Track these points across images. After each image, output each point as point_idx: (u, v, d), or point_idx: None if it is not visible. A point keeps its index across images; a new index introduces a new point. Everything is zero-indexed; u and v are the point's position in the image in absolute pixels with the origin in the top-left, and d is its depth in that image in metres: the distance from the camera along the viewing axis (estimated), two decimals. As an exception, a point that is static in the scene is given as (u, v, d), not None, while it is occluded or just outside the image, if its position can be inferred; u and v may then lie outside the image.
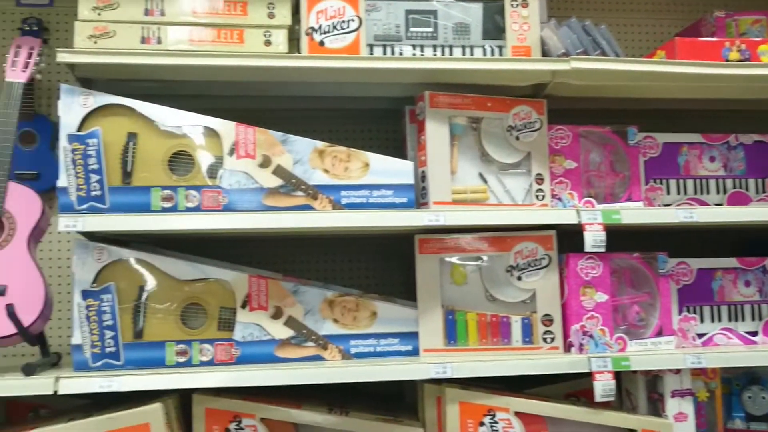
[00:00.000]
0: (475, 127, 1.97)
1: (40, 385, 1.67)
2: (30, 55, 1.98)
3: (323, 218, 1.79)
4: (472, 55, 1.98)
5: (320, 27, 1.91)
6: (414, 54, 1.95)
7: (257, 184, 1.80)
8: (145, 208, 1.76)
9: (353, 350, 1.85)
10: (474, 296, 1.91)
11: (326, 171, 1.83)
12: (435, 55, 1.96)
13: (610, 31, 2.05)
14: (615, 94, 2.15)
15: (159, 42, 1.86)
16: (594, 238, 1.84)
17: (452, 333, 1.88)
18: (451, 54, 1.97)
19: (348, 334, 1.85)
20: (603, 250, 1.85)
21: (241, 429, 1.77)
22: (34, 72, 1.97)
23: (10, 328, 1.74)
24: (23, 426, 1.78)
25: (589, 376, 1.84)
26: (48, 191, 2.14)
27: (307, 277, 2.08)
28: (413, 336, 1.87)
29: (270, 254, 2.26)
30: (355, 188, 1.83)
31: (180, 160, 1.81)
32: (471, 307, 1.90)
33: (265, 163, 1.81)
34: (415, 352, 1.87)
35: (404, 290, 2.18)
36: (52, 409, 2.02)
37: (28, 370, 1.70)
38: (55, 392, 1.66)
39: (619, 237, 1.95)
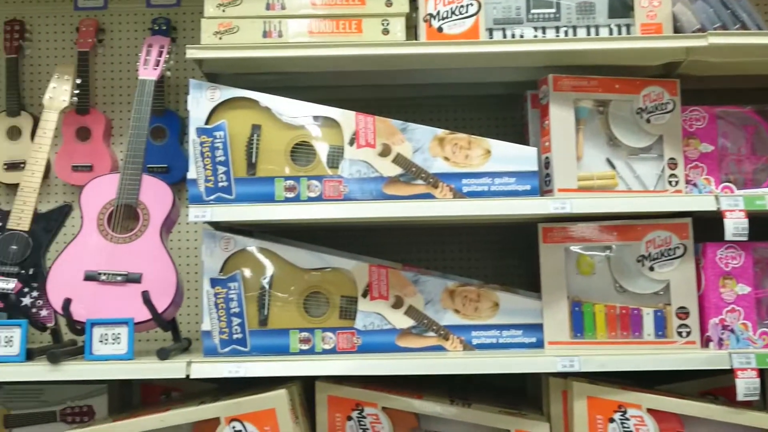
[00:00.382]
0: (602, 110, 1.88)
1: (173, 369, 1.74)
2: (160, 54, 2.06)
3: (444, 207, 1.76)
4: (597, 35, 1.88)
5: (438, 13, 1.87)
6: (535, 36, 1.88)
7: (377, 173, 1.79)
8: (269, 198, 1.79)
9: (475, 341, 1.81)
10: (602, 287, 1.82)
11: (446, 159, 1.80)
12: (558, 36, 1.88)
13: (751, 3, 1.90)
14: (754, 71, 2.00)
15: (280, 35, 1.89)
16: (735, 226, 1.71)
17: (579, 325, 1.80)
18: (575, 35, 1.89)
19: (470, 324, 1.82)
20: (745, 238, 1.72)
21: (363, 417, 1.77)
22: (164, 69, 2.06)
23: (145, 314, 1.82)
24: (157, 407, 1.86)
25: (727, 373, 1.72)
26: (177, 183, 2.24)
27: (423, 267, 2.06)
28: (537, 328, 1.81)
29: (386, 244, 2.26)
30: (477, 176, 1.79)
31: (302, 151, 1.83)
32: (598, 298, 1.82)
33: (385, 152, 1.80)
34: (539, 345, 1.81)
35: (525, 281, 2.12)
36: (182, 392, 2.11)
37: (163, 355, 1.77)
38: (187, 376, 1.73)
39: (762, 225, 1.81)
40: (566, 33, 1.89)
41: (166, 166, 2.26)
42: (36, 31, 2.36)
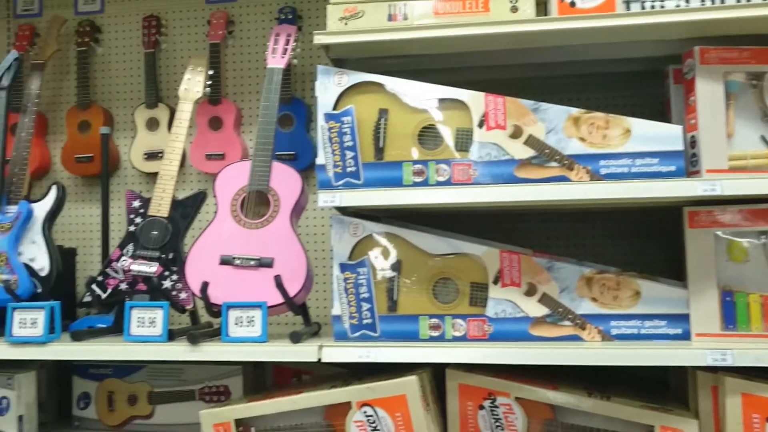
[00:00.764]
0: (755, 83, 1.73)
1: (306, 352, 1.76)
2: (287, 42, 2.09)
3: (581, 190, 1.67)
4: (748, 1, 1.73)
5: (571, -14, 1.78)
6: (678, 6, 1.75)
7: (508, 156, 1.73)
8: (396, 183, 1.77)
9: (614, 331, 1.72)
10: (757, 276, 1.68)
11: (582, 139, 1.71)
12: (703, 5, 1.74)
13: None
14: None
15: (405, 18, 1.86)
16: None
17: (730, 316, 1.67)
18: (722, 2, 1.74)
19: (608, 314, 1.73)
20: None
21: (496, 407, 1.73)
22: (291, 58, 2.08)
23: (277, 298, 1.85)
24: (289, 390, 1.89)
25: None
26: (304, 170, 2.27)
27: (555, 254, 1.98)
28: (682, 318, 1.70)
29: (513, 229, 2.20)
30: (616, 157, 1.69)
31: (429, 134, 1.79)
32: (753, 287, 1.67)
33: (516, 134, 1.74)
34: (685, 336, 1.69)
35: (666, 269, 1.99)
36: (313, 376, 2.15)
37: (295, 338, 1.79)
38: (319, 360, 1.74)
39: None
40: (713, 0, 1.75)
41: (293, 153, 2.29)
42: (170, 25, 2.46)
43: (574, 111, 1.73)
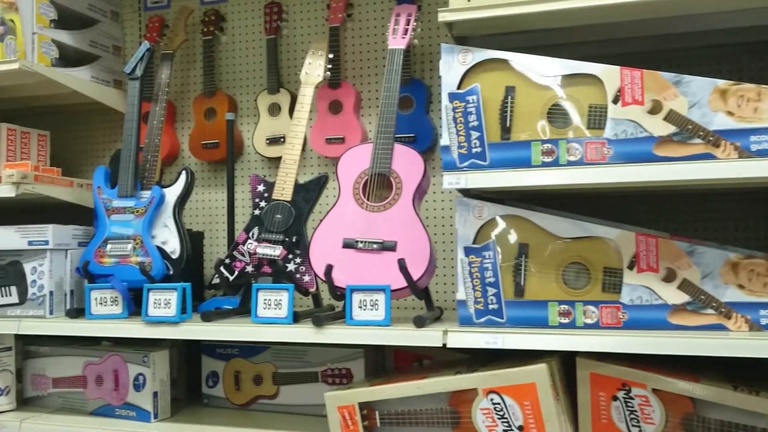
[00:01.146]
0: None
1: (430, 337, 1.73)
2: (408, 22, 2.05)
3: (730, 168, 1.54)
4: None
5: (716, -52, 1.65)
6: (841, -36, 1.58)
7: (646, 133, 1.62)
8: (524, 163, 1.71)
9: (764, 321, 1.59)
10: None
11: (730, 113, 1.58)
12: None
13: None
14: None
15: (531, -10, 1.78)
16: None
17: None
18: None
19: (757, 302, 1.59)
20: None
21: (631, 399, 1.63)
22: (412, 38, 2.05)
23: (400, 282, 1.83)
24: (411, 374, 1.87)
25: None
26: (423, 153, 2.23)
27: (693, 237, 1.85)
28: None
29: (645, 211, 2.08)
30: (769, 131, 1.56)
31: (559, 112, 1.71)
32: None
33: (655, 109, 1.63)
34: None
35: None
36: (434, 361, 2.12)
37: (419, 322, 1.77)
38: (444, 345, 1.71)
39: None
40: None
41: (413, 135, 2.26)
42: (291, 11, 2.48)
43: (721, 83, 1.60)
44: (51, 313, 2.15)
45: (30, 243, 2.15)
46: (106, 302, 2.09)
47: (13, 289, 2.18)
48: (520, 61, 1.75)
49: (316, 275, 1.93)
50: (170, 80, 2.36)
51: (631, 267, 1.67)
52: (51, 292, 2.15)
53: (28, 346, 2.30)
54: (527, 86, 1.74)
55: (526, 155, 1.71)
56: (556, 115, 1.71)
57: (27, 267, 2.17)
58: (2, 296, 2.19)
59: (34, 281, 2.16)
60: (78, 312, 2.14)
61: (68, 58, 2.43)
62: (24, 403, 2.29)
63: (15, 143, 2.42)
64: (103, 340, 2.26)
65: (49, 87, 2.39)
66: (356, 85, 2.39)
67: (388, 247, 1.86)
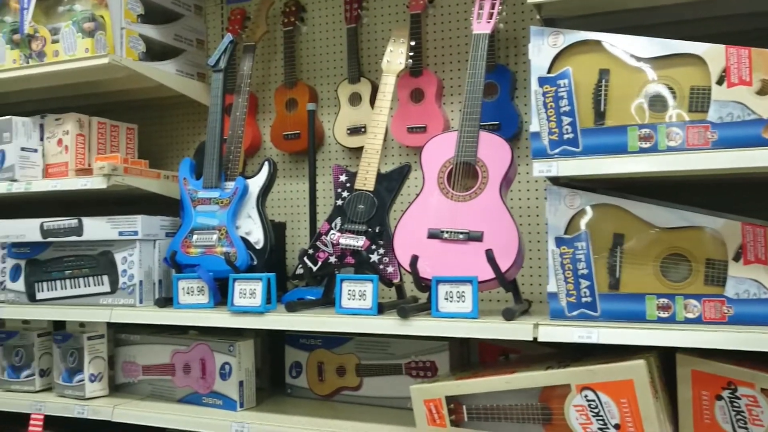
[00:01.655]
0: None
1: (519, 330, 1.67)
2: (493, 6, 1.99)
3: None
4: None
5: None
6: None
7: (755, 115, 1.52)
8: (620, 150, 1.62)
9: None
10: None
11: None
12: None
13: None
14: None
15: (625, -32, 1.69)
16: None
17: None
18: None
19: None
20: None
21: (737, 399, 1.54)
22: (497, 22, 1.99)
23: (488, 273, 1.78)
24: (498, 368, 1.82)
25: None
26: (508, 140, 2.16)
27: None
28: None
29: (748, 200, 1.95)
30: None
31: (656, 95, 1.62)
32: None
33: (764, 90, 1.52)
34: None
35: None
36: (520, 355, 2.06)
37: (508, 315, 1.71)
38: (535, 339, 1.65)
39: None
40: None
41: (497, 123, 2.20)
42: (371, -1, 2.46)
43: (841, 59, 1.48)
44: (141, 302, 2.20)
45: (120, 233, 2.21)
46: (193, 292, 2.12)
47: (105, 278, 2.24)
48: (614, 42, 1.67)
49: (400, 266, 1.90)
50: (252, 72, 2.37)
51: (736, 259, 1.57)
52: (140, 282, 2.20)
53: (119, 333, 2.37)
54: (622, 68, 1.66)
55: (621, 141, 1.62)
56: (653, 98, 1.62)
57: (118, 257, 2.22)
58: (95, 285, 2.25)
59: (124, 271, 2.21)
60: (166, 301, 2.18)
61: (154, 52, 2.47)
62: (115, 389, 2.36)
63: (105, 136, 2.49)
64: (189, 329, 2.30)
65: (136, 81, 2.44)
66: (438, 73, 2.34)
67: (474, 237, 1.81)
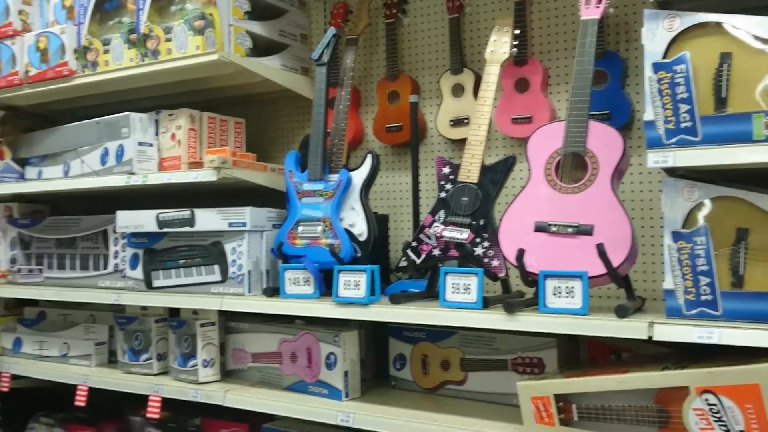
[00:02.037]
0: None
1: (633, 328, 1.61)
2: (603, -11, 1.91)
3: None
4: None
5: None
6: None
7: None
8: (744, 138, 1.52)
9: None
10: None
11: None
12: None
13: None
14: None
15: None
16: None
17: None
18: None
19: None
20: None
21: None
22: (606, 6, 1.90)
23: (598, 268, 1.72)
24: (609, 368, 1.76)
25: None
26: (619, 131, 2.07)
27: None
28: None
29: None
30: None
31: (786, 79, 1.51)
32: None
33: None
34: None
35: None
36: (632, 354, 1.98)
37: (621, 312, 1.65)
38: (650, 338, 1.58)
39: None
40: None
41: (607, 112, 2.12)
42: (474, -13, 2.42)
43: None
44: (249, 291, 2.26)
45: (230, 225, 2.28)
46: (299, 282, 2.16)
47: (216, 267, 2.32)
48: (737, 23, 1.56)
49: (505, 259, 1.86)
50: (355, 65, 2.38)
51: None
52: (249, 272, 2.26)
53: (229, 321, 2.45)
54: (746, 52, 1.55)
55: (746, 129, 1.52)
56: (783, 82, 1.51)
57: (227, 247, 2.29)
58: (207, 274, 2.34)
59: (233, 260, 2.28)
60: (273, 291, 2.24)
61: (260, 47, 2.53)
62: (226, 375, 2.45)
63: (215, 130, 2.57)
64: (296, 319, 2.35)
65: (243, 76, 2.50)
66: (543, 61, 2.28)
67: (584, 230, 1.75)
